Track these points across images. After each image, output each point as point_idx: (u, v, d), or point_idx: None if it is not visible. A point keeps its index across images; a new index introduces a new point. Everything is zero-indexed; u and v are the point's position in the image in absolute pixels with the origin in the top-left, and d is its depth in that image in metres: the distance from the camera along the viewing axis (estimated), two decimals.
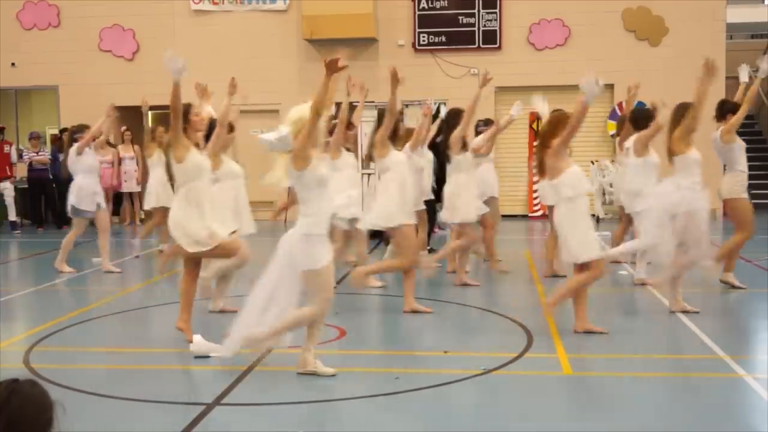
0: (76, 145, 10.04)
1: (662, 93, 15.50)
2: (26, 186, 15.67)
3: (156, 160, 11.02)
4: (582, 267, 6.58)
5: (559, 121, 6.58)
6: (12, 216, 14.97)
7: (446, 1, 16.31)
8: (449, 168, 8.76)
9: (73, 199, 9.92)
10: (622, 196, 9.11)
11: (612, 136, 10.55)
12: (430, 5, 16.34)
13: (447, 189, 8.74)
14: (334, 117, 8.89)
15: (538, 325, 6.96)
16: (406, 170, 7.65)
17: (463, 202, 8.57)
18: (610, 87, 16.22)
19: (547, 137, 6.58)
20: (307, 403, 5.12)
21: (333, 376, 5.49)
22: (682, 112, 7.29)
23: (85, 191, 9.91)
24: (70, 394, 5.13)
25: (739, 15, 19.79)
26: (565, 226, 6.49)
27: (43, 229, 15.32)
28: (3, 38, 17.08)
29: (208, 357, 6.04)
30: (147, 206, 11.30)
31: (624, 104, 15.63)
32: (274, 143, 5.20)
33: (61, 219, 15.47)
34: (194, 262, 6.47)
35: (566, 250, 6.55)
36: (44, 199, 15.81)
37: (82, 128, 10.33)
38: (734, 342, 6.48)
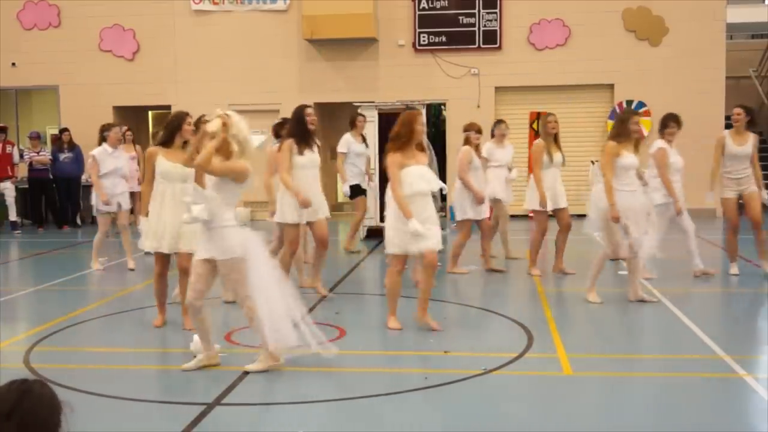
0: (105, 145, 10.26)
1: (662, 93, 15.71)
2: (26, 186, 15.66)
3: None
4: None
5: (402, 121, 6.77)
6: (12, 216, 14.95)
7: (446, 1, 16.30)
8: None
9: (96, 199, 10.15)
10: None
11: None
12: (430, 5, 16.34)
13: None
14: None
15: (538, 325, 6.96)
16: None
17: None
18: (610, 87, 16.25)
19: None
20: (307, 403, 5.12)
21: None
22: None
23: (108, 191, 10.12)
24: (70, 394, 5.12)
25: (739, 15, 19.81)
26: (392, 218, 6.67)
27: (44, 229, 15.31)
28: (3, 38, 17.08)
29: None
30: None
31: (623, 104, 15.70)
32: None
33: (61, 219, 15.49)
34: None
35: (388, 241, 6.74)
36: (44, 199, 15.79)
37: (110, 126, 10.57)
38: (734, 342, 6.48)
